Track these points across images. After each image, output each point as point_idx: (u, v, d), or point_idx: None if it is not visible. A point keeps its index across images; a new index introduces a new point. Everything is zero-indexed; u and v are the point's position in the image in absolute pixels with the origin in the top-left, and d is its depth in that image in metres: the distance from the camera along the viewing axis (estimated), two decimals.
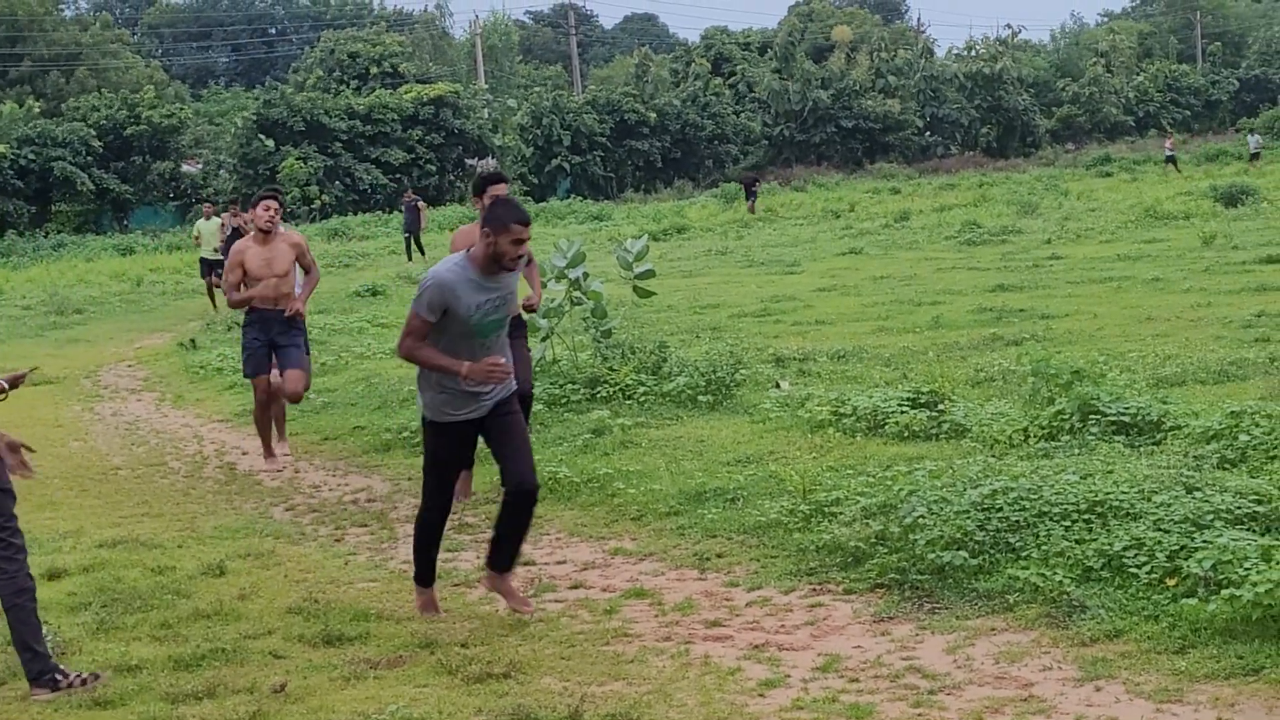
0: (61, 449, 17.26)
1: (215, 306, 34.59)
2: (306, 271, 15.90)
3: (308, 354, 16.30)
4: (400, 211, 57.20)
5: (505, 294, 9.30)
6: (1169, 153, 76.16)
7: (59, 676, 8.29)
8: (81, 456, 16.84)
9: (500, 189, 11.72)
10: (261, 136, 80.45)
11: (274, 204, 15.45)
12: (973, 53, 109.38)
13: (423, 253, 48.85)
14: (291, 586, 10.57)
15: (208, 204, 46.23)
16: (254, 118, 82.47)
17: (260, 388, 15.62)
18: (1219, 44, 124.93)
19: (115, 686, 8.37)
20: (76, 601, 10.31)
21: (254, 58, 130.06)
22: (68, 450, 17.27)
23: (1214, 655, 7.71)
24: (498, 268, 9.17)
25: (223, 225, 36.41)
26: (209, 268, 35.93)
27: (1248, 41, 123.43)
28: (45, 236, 71.66)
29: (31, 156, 75.04)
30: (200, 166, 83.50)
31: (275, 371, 15.56)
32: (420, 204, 51.78)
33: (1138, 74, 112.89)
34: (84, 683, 8.27)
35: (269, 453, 15.80)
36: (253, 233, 15.60)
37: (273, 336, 15.51)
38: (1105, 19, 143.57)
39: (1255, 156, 74.58)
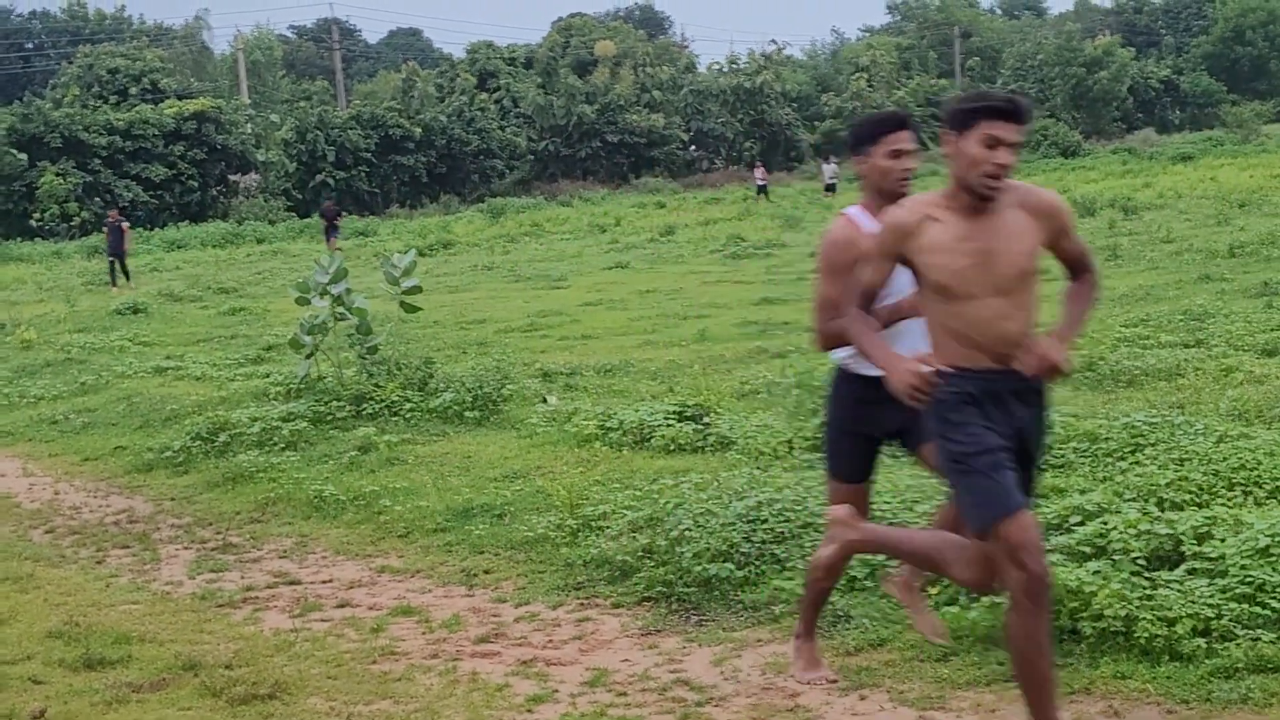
0: None
1: None
2: None
3: None
4: (103, 233, 52.65)
5: None
6: (760, 183, 74.06)
7: None
8: None
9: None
10: (14, 151, 78.83)
11: None
12: (735, 67, 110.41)
13: (127, 276, 45.54)
14: (51, 610, 10.37)
15: None
16: (4, 132, 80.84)
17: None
18: (978, 59, 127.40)
19: None
20: None
21: (10, 73, 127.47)
22: None
23: (975, 662, 7.85)
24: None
25: None
26: None
27: (1003, 57, 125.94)
28: None
29: None
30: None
31: None
32: (125, 224, 48.09)
33: (898, 89, 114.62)
34: None
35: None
36: None
37: None
38: (866, 34, 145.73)
39: (830, 188, 70.38)
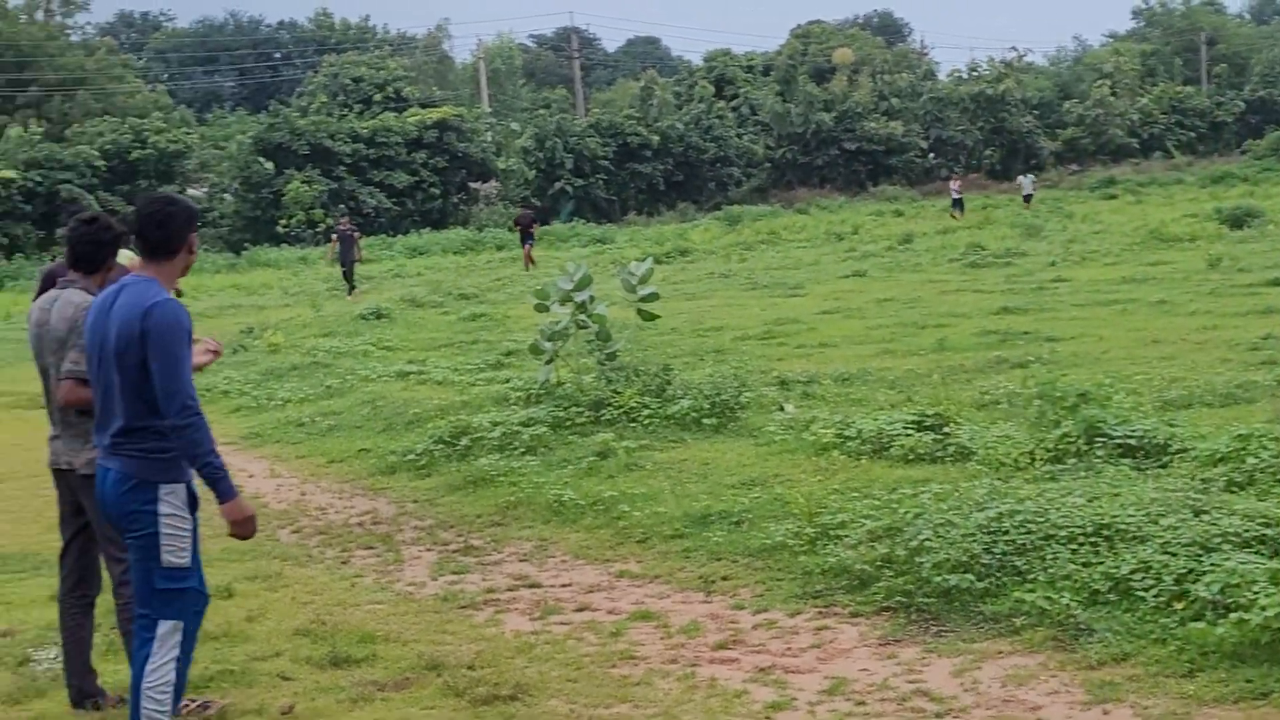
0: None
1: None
2: None
3: None
4: (332, 240, 51.93)
5: None
6: (955, 195, 72.06)
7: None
8: None
9: None
10: (261, 160, 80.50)
11: None
12: (976, 74, 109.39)
13: (352, 287, 46.20)
14: (299, 609, 10.58)
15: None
16: (251, 141, 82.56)
17: None
18: (1224, 65, 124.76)
19: (123, 708, 8.38)
20: None
21: (259, 82, 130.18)
22: None
23: (1222, 679, 7.70)
24: None
25: None
26: None
27: (1250, 64, 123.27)
28: (52, 259, 71.48)
29: (38, 179, 75.07)
30: (205, 190, 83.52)
31: None
32: (356, 233, 48.99)
33: (1142, 96, 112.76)
34: (188, 709, 8.20)
35: None
36: None
37: None
38: (1109, 40, 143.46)
39: (1028, 199, 71.97)
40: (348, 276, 46.62)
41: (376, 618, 10.24)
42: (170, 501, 7.08)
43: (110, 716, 8.31)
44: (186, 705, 8.16)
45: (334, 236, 50.02)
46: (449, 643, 9.53)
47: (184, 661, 7.21)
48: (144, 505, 7.06)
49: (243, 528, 7.19)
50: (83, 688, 8.49)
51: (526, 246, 54.57)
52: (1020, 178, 76.95)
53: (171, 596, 7.10)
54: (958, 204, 70.31)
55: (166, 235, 7.19)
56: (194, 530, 7.18)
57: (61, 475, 8.39)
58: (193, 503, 7.27)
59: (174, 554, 7.08)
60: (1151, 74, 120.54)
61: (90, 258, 8.35)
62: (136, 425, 7.04)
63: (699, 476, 13.66)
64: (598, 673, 8.74)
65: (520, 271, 50.57)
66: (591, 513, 12.81)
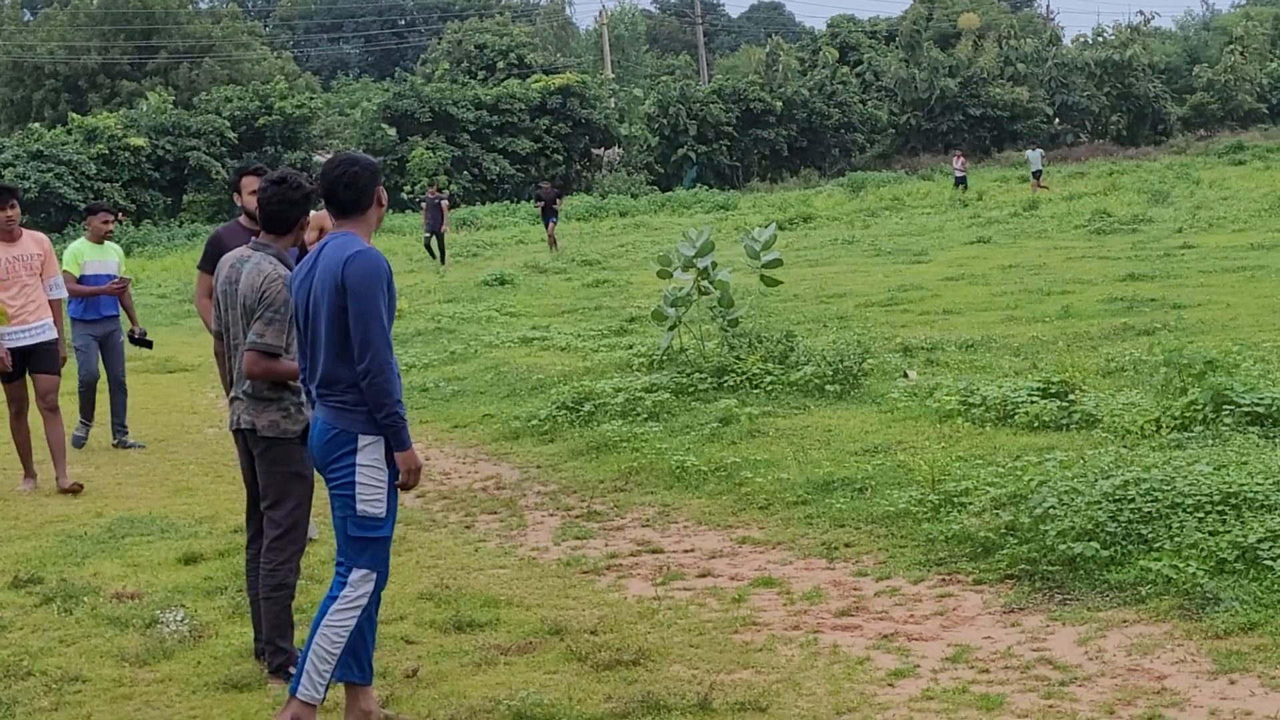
0: (196, 435, 17.47)
1: None
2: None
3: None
4: (421, 209, 50.02)
5: None
6: (958, 174, 68.03)
7: (293, 670, 8.37)
8: (216, 442, 17.02)
9: None
10: (385, 126, 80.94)
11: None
12: (1102, 39, 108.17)
13: (443, 257, 44.94)
14: (422, 573, 10.66)
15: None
16: (376, 108, 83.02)
17: None
18: None
19: (249, 670, 8.49)
20: (212, 586, 10.44)
21: (384, 49, 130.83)
22: (203, 436, 17.48)
23: None
24: None
25: None
26: None
27: None
28: (180, 226, 72.31)
29: (168, 147, 75.85)
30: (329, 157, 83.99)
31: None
32: (444, 201, 46.54)
33: (1272, 60, 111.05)
34: None
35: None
36: None
37: None
38: (1239, 3, 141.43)
39: (1037, 175, 65.69)
40: (430, 246, 45.70)
41: (500, 582, 10.31)
42: (369, 452, 7.30)
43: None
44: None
45: (422, 205, 49.11)
46: (572, 608, 9.58)
47: (369, 621, 7.42)
48: (343, 455, 7.31)
49: (411, 477, 7.37)
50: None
51: (550, 225, 48.65)
52: (1028, 152, 71.17)
53: (364, 545, 7.33)
54: (961, 182, 66.77)
55: (356, 194, 7.40)
56: (390, 483, 7.36)
57: (241, 436, 8.45)
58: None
59: (369, 504, 7.30)
60: None
61: (282, 218, 8.33)
62: (337, 376, 7.28)
63: (822, 443, 13.64)
64: (720, 638, 8.76)
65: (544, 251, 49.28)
66: (714, 479, 12.83)
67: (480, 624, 9.23)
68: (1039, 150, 68.80)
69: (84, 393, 17.16)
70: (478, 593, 9.94)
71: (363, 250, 7.23)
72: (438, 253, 45.03)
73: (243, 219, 10.56)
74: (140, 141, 74.75)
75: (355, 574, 7.33)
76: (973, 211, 50.43)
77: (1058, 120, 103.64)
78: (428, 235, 45.89)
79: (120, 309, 17.35)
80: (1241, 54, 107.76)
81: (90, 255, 16.91)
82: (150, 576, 10.83)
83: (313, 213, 8.92)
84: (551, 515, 12.47)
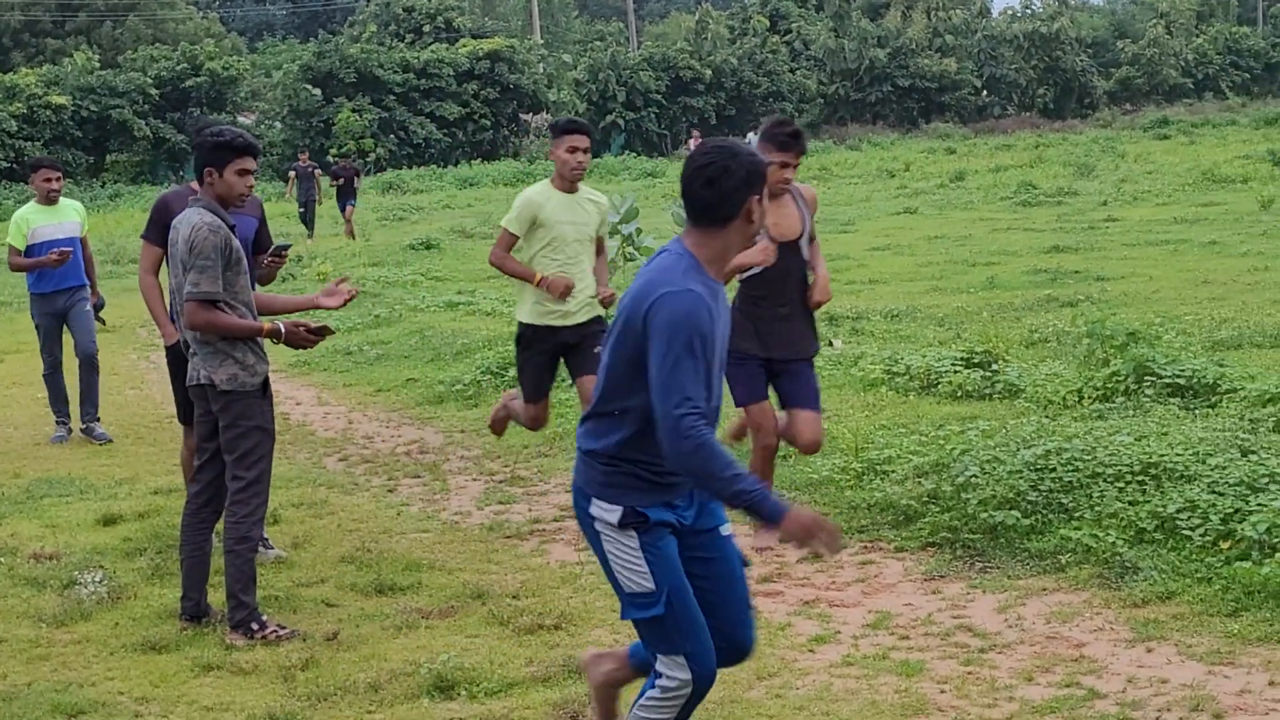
0: (117, 397, 17.35)
1: None
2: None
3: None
4: (292, 177, 45.64)
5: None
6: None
7: (254, 626, 8.31)
8: (137, 405, 16.93)
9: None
10: (308, 87, 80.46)
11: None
12: (1030, 12, 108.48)
13: (311, 226, 41.69)
14: (344, 536, 10.63)
15: None
16: (299, 68, 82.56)
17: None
18: None
19: (168, 631, 8.45)
20: (132, 547, 10.38)
21: (311, 10, 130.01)
22: (124, 398, 17.36)
23: (1267, 618, 7.70)
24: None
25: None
26: None
27: None
28: (102, 186, 71.80)
29: (92, 107, 75.26)
30: (254, 119, 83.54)
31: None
32: (316, 169, 42.99)
33: (1197, 36, 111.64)
34: (278, 636, 8.28)
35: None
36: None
37: None
38: None
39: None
40: (305, 218, 42.33)
41: (422, 546, 10.29)
42: (605, 521, 5.79)
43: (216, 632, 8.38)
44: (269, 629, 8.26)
45: (291, 173, 45.57)
46: (494, 572, 9.57)
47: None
48: (583, 515, 5.92)
49: (808, 536, 5.52)
50: (199, 603, 8.57)
51: (348, 209, 41.31)
52: (751, 134, 66.90)
53: (648, 628, 5.81)
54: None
55: (717, 197, 5.55)
56: (659, 545, 5.77)
57: (201, 391, 8.40)
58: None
59: (630, 578, 5.79)
60: (1208, 14, 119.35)
61: (197, 167, 8.43)
62: (593, 413, 5.82)
63: None
64: None
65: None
66: None
67: (402, 588, 9.22)
68: (752, 134, 66.16)
69: (49, 379, 15.22)
70: (399, 556, 9.92)
71: (676, 292, 5.49)
72: (306, 225, 42.21)
73: (194, 183, 10.48)
74: (63, 100, 74.08)
75: (660, 664, 5.83)
76: (900, 182, 50.53)
77: (985, 92, 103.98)
78: (302, 207, 42.62)
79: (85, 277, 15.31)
80: (1167, 29, 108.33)
81: (40, 220, 14.85)
82: (68, 537, 10.76)
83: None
84: (475, 480, 12.45)
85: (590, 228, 11.17)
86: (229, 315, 8.17)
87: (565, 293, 10.90)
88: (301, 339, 8.52)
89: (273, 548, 9.98)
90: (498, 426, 11.98)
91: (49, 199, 14.93)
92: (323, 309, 9.01)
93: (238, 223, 9.21)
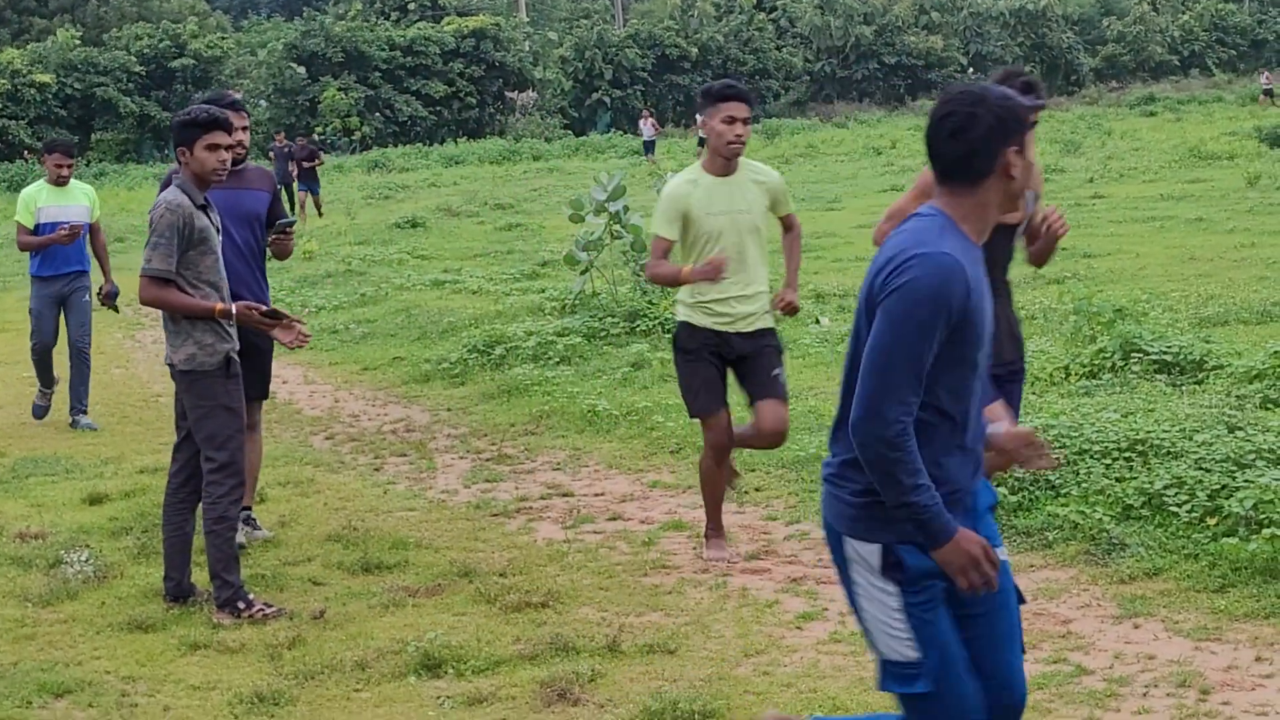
0: (103, 376, 17.30)
1: None
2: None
3: None
4: (269, 159, 43.76)
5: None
6: (647, 138, 63.74)
7: (241, 605, 8.29)
8: (123, 384, 16.90)
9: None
10: (294, 66, 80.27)
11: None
12: None
13: (292, 207, 39.06)
14: (331, 514, 10.62)
15: None
16: (284, 47, 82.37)
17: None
18: None
19: (154, 610, 8.43)
20: (118, 526, 10.35)
21: None
22: (110, 377, 17.32)
23: (1254, 594, 7.71)
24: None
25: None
26: None
27: None
28: (87, 165, 71.46)
29: (76, 86, 75.05)
30: (240, 97, 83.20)
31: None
32: (290, 148, 41.53)
33: (1183, 12, 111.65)
34: (265, 615, 8.28)
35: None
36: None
37: None
38: None
39: (649, 146, 62.51)
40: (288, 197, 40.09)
41: (409, 524, 10.28)
42: (862, 565, 4.87)
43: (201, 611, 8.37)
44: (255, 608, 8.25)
45: (270, 154, 43.84)
46: (481, 550, 9.56)
47: None
48: (837, 558, 5.01)
49: (970, 565, 4.78)
50: (181, 583, 8.55)
51: (314, 194, 41.10)
52: (641, 123, 66.32)
53: (912, 705, 4.88)
54: (649, 147, 63.10)
55: (966, 150, 4.70)
56: (928, 602, 4.82)
57: (171, 371, 8.44)
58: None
59: (889, 642, 4.87)
60: None
61: (175, 149, 8.46)
62: (841, 427, 4.90)
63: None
64: (629, 581, 8.77)
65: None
66: (625, 423, 12.83)
67: (388, 566, 9.21)
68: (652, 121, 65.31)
69: (38, 360, 14.94)
70: (386, 535, 9.91)
71: (923, 255, 4.62)
72: (293, 203, 40.57)
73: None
74: (47, 78, 73.85)
75: None
76: (886, 160, 50.50)
77: (971, 70, 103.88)
78: (279, 185, 40.83)
79: (93, 261, 14.90)
80: (1153, 6, 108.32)
81: (48, 200, 14.37)
82: (55, 517, 10.73)
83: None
84: (461, 458, 12.43)
85: (755, 215, 9.63)
86: (179, 293, 8.18)
87: (717, 272, 9.03)
88: (255, 321, 8.47)
89: (260, 528, 9.96)
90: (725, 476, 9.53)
91: (58, 181, 14.47)
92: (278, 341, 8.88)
93: (248, 198, 9.25)
